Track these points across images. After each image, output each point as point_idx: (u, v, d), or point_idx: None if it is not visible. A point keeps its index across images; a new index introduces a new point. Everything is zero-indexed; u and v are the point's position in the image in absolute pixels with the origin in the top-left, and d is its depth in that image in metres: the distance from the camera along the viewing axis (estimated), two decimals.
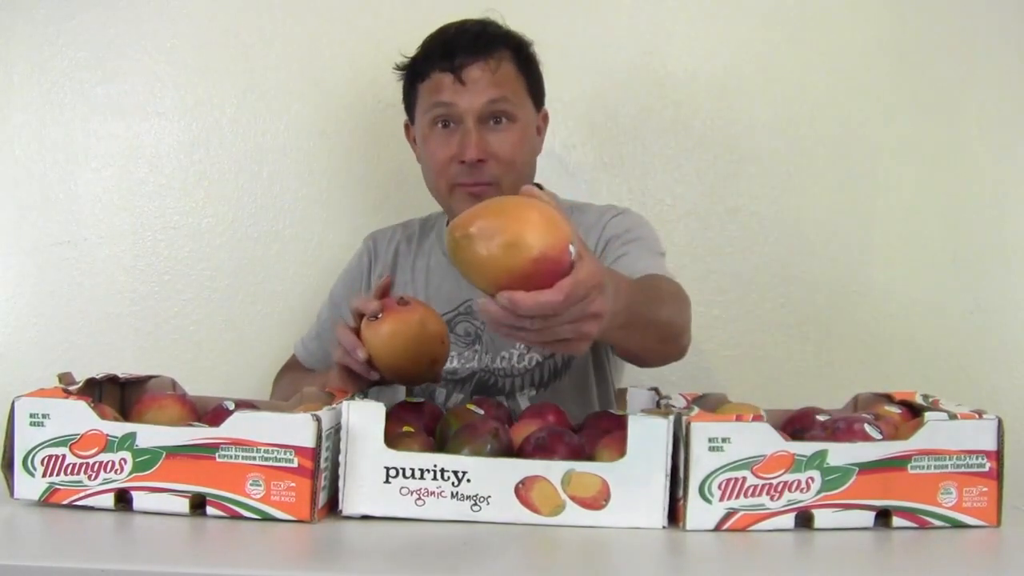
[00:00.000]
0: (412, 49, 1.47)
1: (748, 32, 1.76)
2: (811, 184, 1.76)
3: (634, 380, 1.46)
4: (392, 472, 0.99)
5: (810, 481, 0.97)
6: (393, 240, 1.57)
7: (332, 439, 1.00)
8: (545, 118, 1.49)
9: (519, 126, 1.39)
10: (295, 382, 1.43)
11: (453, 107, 1.37)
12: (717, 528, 0.97)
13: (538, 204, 0.88)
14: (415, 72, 1.43)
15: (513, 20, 1.47)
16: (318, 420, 0.96)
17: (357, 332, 1.14)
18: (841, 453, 0.97)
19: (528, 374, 1.43)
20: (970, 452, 0.99)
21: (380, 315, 1.12)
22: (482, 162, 1.36)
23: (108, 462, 0.99)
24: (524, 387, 1.43)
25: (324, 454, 0.98)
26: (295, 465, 0.96)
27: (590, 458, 1.02)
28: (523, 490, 0.98)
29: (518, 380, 1.43)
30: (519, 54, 1.42)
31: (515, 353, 1.44)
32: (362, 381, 1.16)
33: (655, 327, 1.12)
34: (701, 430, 0.96)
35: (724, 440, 0.96)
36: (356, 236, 1.66)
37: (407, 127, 1.51)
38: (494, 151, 1.37)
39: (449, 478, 0.99)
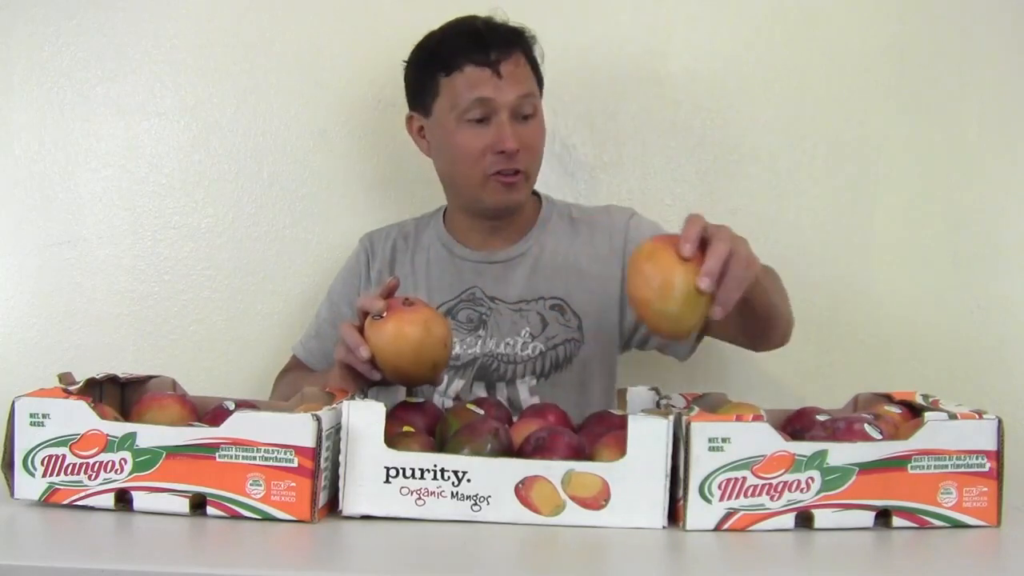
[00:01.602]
0: (412, 48, 1.48)
1: (748, 32, 1.76)
2: (811, 184, 1.76)
3: (634, 380, 1.46)
4: (392, 472, 0.99)
5: (810, 481, 0.97)
6: (389, 237, 1.59)
7: (332, 439, 1.00)
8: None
9: (538, 119, 1.46)
10: (296, 381, 1.44)
11: (492, 102, 1.40)
12: (717, 528, 0.97)
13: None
14: (441, 64, 1.43)
15: (514, 19, 1.49)
16: (318, 420, 0.97)
17: (361, 331, 1.14)
18: (841, 453, 0.97)
19: (530, 362, 1.45)
20: (970, 452, 0.99)
21: (384, 314, 1.12)
22: (517, 152, 1.41)
23: (108, 462, 0.99)
24: (525, 375, 1.45)
25: (324, 454, 0.98)
26: (295, 465, 0.96)
27: (590, 458, 1.02)
28: (523, 490, 0.98)
29: (520, 367, 1.45)
30: (531, 49, 1.47)
31: (519, 340, 1.46)
32: (362, 381, 1.16)
33: (779, 293, 1.31)
34: (701, 430, 0.97)
35: (724, 440, 0.96)
36: (356, 236, 1.66)
37: (410, 119, 1.52)
38: (526, 142, 1.42)
39: (449, 478, 0.99)
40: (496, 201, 1.44)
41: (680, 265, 0.98)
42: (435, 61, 1.44)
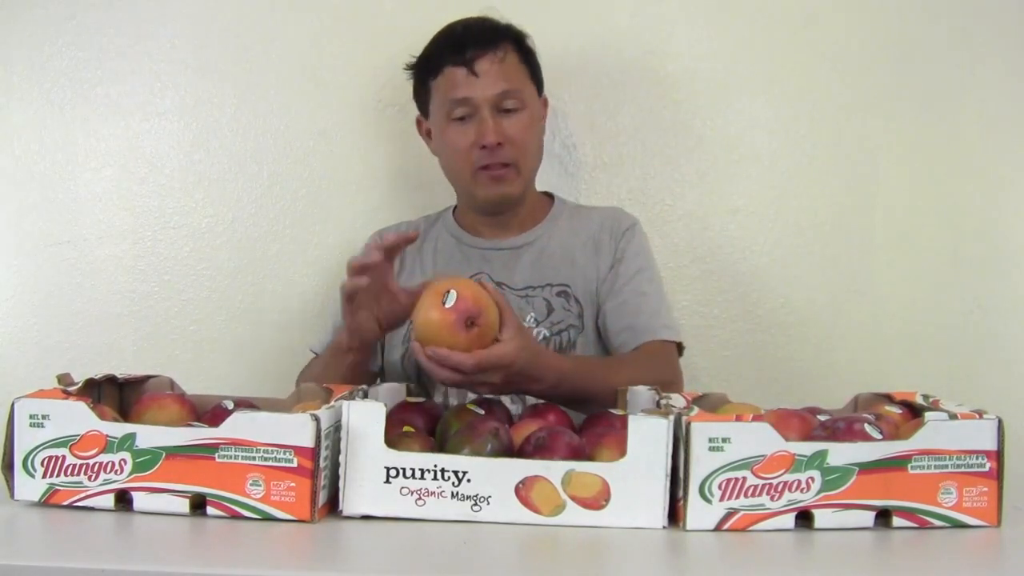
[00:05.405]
0: (413, 48, 1.50)
1: (748, 32, 1.76)
2: (811, 184, 1.76)
3: None
4: (392, 472, 0.99)
5: (810, 481, 0.97)
6: (399, 230, 1.59)
7: (332, 438, 1.00)
8: (545, 103, 1.57)
9: (527, 112, 1.49)
10: (312, 368, 1.48)
11: (471, 100, 1.45)
12: (717, 528, 0.97)
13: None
14: (427, 69, 1.50)
15: (514, 20, 1.49)
16: (316, 420, 0.96)
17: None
18: (841, 453, 0.97)
19: None
20: (970, 452, 0.99)
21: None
22: (500, 145, 1.44)
23: (108, 463, 0.99)
24: None
25: (323, 454, 0.98)
26: (295, 465, 0.96)
27: (590, 458, 1.02)
28: (523, 490, 0.98)
29: None
30: (520, 45, 1.50)
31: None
32: (366, 329, 1.25)
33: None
34: (701, 430, 0.96)
35: (724, 440, 0.96)
36: (356, 236, 1.66)
37: (419, 122, 1.58)
38: (509, 135, 1.46)
39: (449, 478, 0.99)
40: (487, 195, 1.49)
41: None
42: (424, 66, 1.51)
